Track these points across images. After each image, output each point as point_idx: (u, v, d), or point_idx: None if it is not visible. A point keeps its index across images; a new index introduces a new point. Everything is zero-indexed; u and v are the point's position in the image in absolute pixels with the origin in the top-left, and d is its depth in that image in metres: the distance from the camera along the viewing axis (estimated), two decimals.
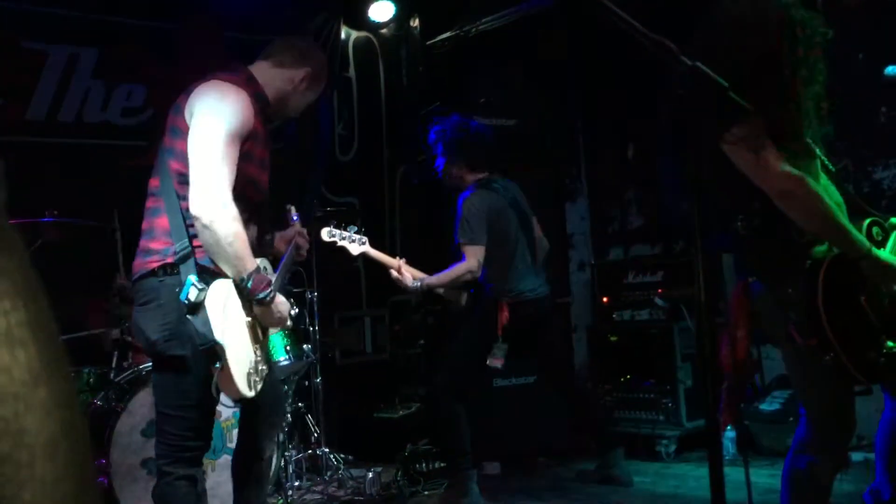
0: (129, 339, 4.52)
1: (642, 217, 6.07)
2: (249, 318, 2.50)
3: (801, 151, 2.16)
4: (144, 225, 2.50)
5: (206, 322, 2.29)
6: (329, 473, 4.63)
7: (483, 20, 5.77)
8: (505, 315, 4.11)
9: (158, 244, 2.43)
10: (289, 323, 2.69)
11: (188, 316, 2.30)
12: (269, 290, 2.46)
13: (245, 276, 2.39)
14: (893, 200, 4.75)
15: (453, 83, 6.13)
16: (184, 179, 2.40)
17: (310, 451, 4.76)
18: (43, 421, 0.62)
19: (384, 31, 6.49)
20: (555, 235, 4.92)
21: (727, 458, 4.59)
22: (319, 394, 4.83)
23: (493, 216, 4.16)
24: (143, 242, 2.48)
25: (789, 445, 4.66)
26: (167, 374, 2.45)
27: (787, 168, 2.08)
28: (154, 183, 2.51)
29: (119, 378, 3.96)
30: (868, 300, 2.20)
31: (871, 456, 4.38)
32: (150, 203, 2.51)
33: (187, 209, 2.36)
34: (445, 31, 6.05)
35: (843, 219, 2.13)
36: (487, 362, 4.06)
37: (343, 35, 6.28)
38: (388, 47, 6.53)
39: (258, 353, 2.52)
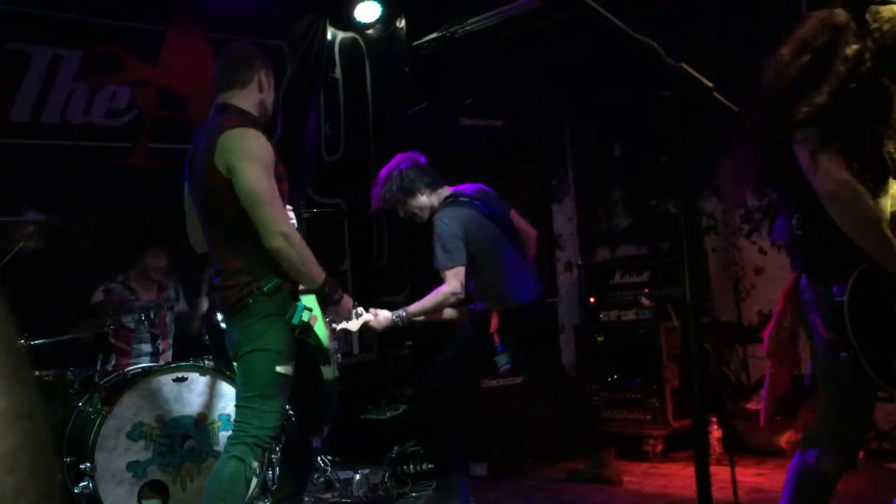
0: (114, 341, 4.51)
1: (629, 217, 6.09)
2: (329, 318, 3.09)
3: (878, 168, 2.22)
4: (218, 267, 2.93)
5: (318, 338, 2.89)
6: (316, 475, 4.61)
7: (469, 21, 5.77)
8: (495, 323, 4.09)
9: (235, 280, 2.85)
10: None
11: (301, 336, 2.82)
12: (339, 289, 2.98)
13: (323, 285, 2.88)
14: None
15: (440, 84, 6.12)
16: (241, 221, 2.79)
17: None
18: (2, 433, 0.60)
19: (370, 31, 6.48)
20: (542, 236, 4.90)
21: (713, 456, 4.61)
22: None
23: (470, 230, 4.08)
24: (221, 281, 2.91)
25: (777, 444, 4.71)
26: (241, 371, 2.89)
27: (840, 173, 2.13)
28: (215, 235, 2.95)
29: (104, 381, 3.93)
30: None
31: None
32: (217, 250, 2.96)
33: (251, 246, 2.80)
34: (432, 32, 6.05)
35: (885, 232, 2.17)
36: (500, 367, 4.09)
37: (329, 36, 6.27)
38: (375, 48, 6.51)
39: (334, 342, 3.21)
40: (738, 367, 5.28)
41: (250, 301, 2.81)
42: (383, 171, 4.26)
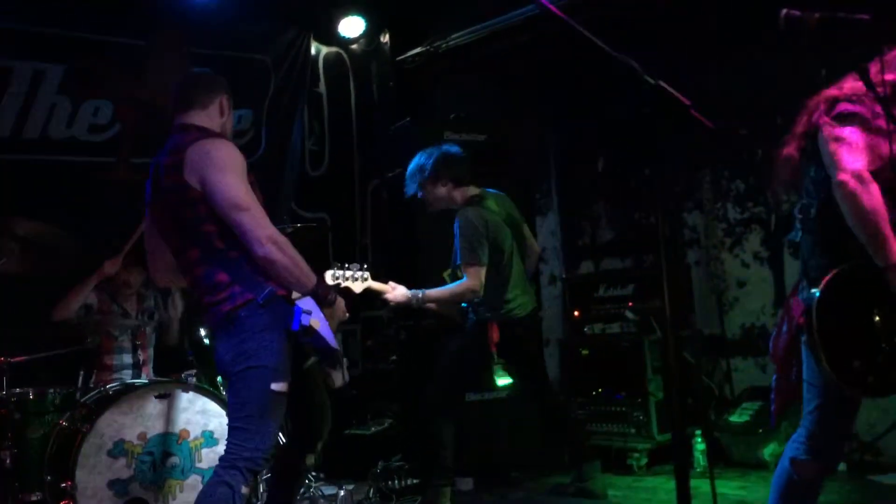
0: (99, 357, 4.48)
1: (613, 231, 6.12)
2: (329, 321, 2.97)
3: None
4: (204, 285, 2.78)
5: (321, 338, 2.81)
6: (300, 491, 4.58)
7: (453, 36, 5.80)
8: (496, 335, 4.08)
9: (224, 294, 2.74)
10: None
11: (304, 339, 2.77)
12: (332, 290, 2.92)
13: (316, 287, 2.81)
14: None
15: (423, 98, 6.14)
16: (221, 233, 2.72)
17: None
18: None
19: (354, 46, 6.50)
20: None
21: (697, 470, 4.62)
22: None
23: (492, 234, 4.10)
24: (207, 299, 2.79)
25: (760, 457, 4.73)
26: (233, 390, 2.76)
27: (855, 165, 2.19)
28: (194, 254, 2.80)
29: (85, 398, 3.90)
30: (880, 313, 2.26)
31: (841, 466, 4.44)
32: (197, 270, 2.80)
33: (235, 257, 2.73)
34: (416, 47, 6.08)
35: (885, 227, 2.21)
36: (499, 383, 4.06)
37: (313, 50, 6.29)
38: (359, 63, 6.54)
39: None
40: (722, 379, 5.30)
41: (242, 314, 2.70)
42: (421, 153, 4.28)
